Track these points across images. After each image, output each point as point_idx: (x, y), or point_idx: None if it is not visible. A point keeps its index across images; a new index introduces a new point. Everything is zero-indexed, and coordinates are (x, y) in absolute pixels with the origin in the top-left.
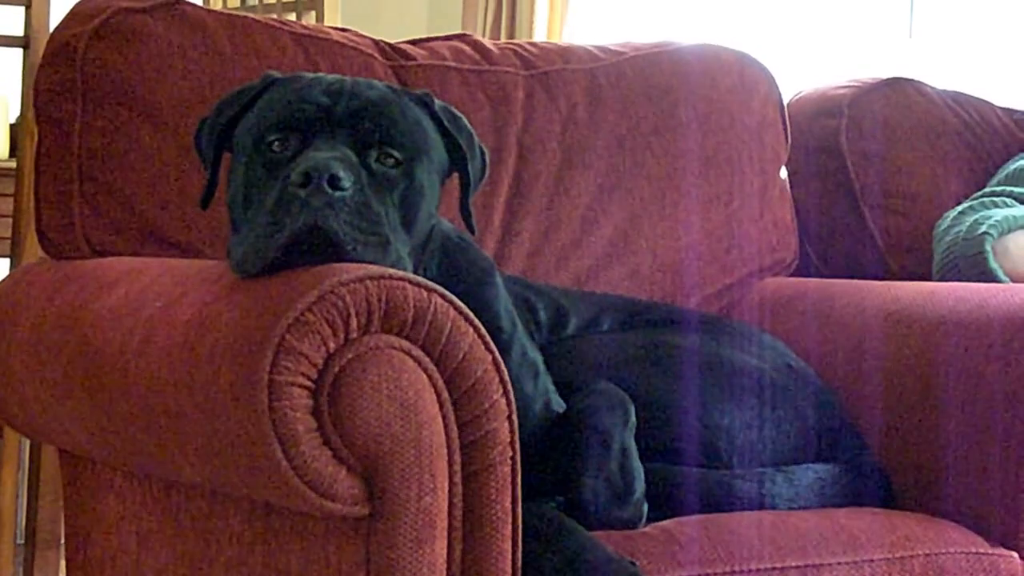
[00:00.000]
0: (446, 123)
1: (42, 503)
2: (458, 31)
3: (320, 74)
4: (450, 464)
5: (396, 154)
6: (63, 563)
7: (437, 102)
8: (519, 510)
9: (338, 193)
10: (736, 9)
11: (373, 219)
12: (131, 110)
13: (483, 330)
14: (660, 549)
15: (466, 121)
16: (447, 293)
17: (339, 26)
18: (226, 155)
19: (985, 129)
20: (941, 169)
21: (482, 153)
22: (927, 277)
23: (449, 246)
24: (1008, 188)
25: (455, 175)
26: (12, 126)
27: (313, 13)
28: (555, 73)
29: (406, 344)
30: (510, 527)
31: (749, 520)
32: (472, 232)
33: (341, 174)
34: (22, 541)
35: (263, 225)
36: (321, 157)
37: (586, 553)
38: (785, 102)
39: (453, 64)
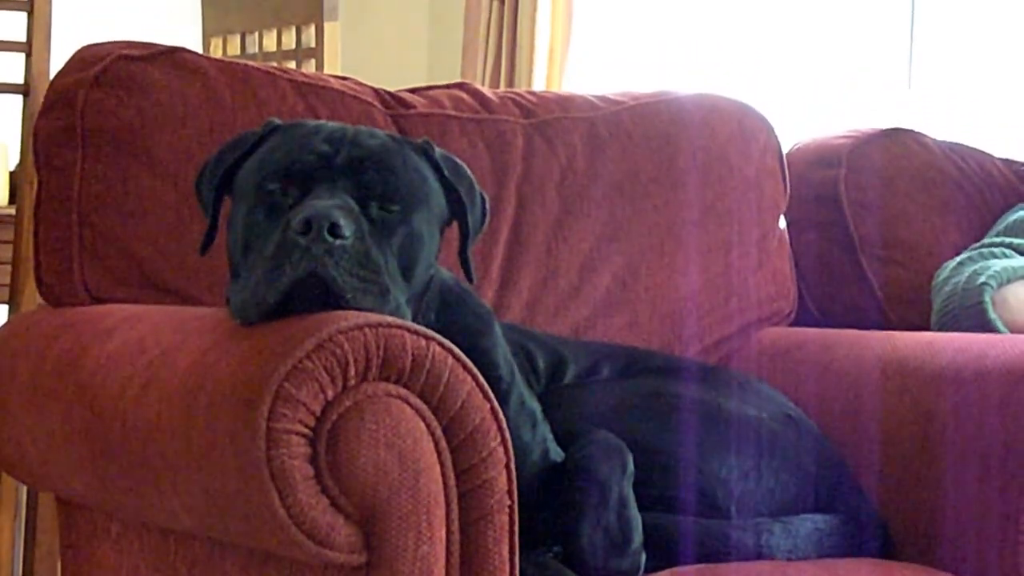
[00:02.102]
0: (446, 172)
1: (39, 551)
2: (458, 79)
3: (322, 122)
4: (448, 512)
5: (396, 203)
6: None
7: (437, 151)
8: (517, 559)
9: (338, 241)
10: (735, 58)
11: (373, 268)
12: (131, 157)
13: (481, 378)
14: None
15: (467, 170)
16: (445, 341)
17: (339, 74)
18: (226, 202)
19: (984, 180)
20: (940, 220)
21: (482, 202)
22: (926, 327)
23: (448, 295)
24: (1007, 239)
25: (455, 223)
26: (12, 173)
27: (313, 61)
28: (554, 122)
29: (404, 392)
30: None
31: (747, 571)
32: (471, 281)
33: (342, 222)
34: None
35: (263, 272)
36: (322, 205)
37: None
38: (784, 152)
39: (452, 113)
